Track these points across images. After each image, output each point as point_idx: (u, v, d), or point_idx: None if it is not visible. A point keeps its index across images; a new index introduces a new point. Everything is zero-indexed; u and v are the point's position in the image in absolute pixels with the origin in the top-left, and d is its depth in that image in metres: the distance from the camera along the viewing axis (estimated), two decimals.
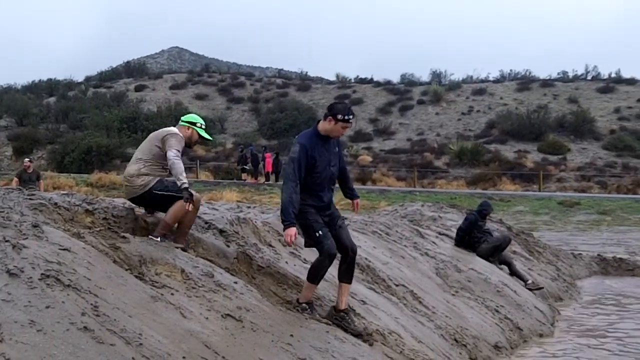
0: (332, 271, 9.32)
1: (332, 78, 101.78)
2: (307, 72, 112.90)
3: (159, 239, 7.32)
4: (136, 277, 6.11)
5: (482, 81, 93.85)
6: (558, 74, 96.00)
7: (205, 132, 8.17)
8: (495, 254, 14.33)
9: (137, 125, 62.19)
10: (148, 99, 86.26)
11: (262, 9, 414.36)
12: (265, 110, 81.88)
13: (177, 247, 7.31)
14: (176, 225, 7.64)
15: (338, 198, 35.81)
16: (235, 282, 7.12)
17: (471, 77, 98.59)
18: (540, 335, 11.37)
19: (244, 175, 45.89)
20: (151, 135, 7.96)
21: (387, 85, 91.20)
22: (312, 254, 9.67)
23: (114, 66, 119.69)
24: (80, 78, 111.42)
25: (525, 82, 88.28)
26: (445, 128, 74.77)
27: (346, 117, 7.21)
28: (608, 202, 36.41)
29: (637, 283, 17.12)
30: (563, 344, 10.84)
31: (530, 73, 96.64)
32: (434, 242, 14.32)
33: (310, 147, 7.18)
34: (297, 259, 9.11)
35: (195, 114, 8.98)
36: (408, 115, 79.63)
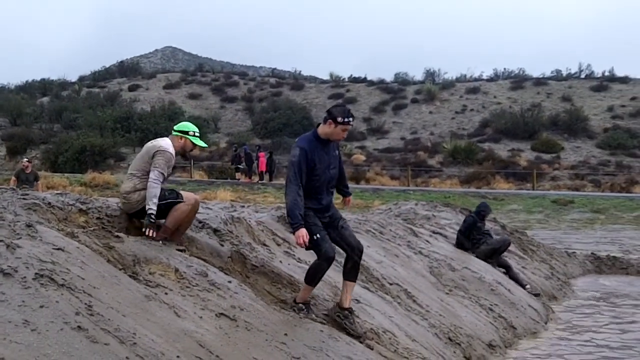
0: (328, 271, 9.33)
1: (326, 77, 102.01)
2: (300, 72, 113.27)
3: (160, 242, 7.33)
4: (130, 276, 6.11)
5: (476, 80, 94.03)
6: (552, 72, 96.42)
7: (200, 139, 8.13)
8: (494, 256, 14.32)
9: (130, 125, 62.20)
10: (142, 98, 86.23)
11: (255, 9, 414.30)
12: (259, 109, 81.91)
13: (178, 250, 7.32)
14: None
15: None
16: (229, 282, 7.12)
17: (465, 75, 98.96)
18: (534, 334, 11.39)
19: (237, 175, 45.90)
20: (143, 149, 7.91)
21: (380, 84, 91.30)
22: (307, 254, 9.69)
23: (108, 66, 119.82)
24: (73, 78, 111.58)
25: (518, 80, 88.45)
26: (439, 127, 74.86)
27: (346, 120, 7.21)
28: (602, 201, 36.48)
29: (631, 281, 17.15)
30: (556, 342, 10.86)
31: (523, 72, 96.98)
32: (427, 241, 14.33)
33: (310, 151, 7.17)
34: (291, 258, 9.11)
35: (189, 121, 8.94)
36: (402, 114, 79.71)
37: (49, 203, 7.46)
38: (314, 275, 7.36)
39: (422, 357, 7.76)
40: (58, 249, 5.75)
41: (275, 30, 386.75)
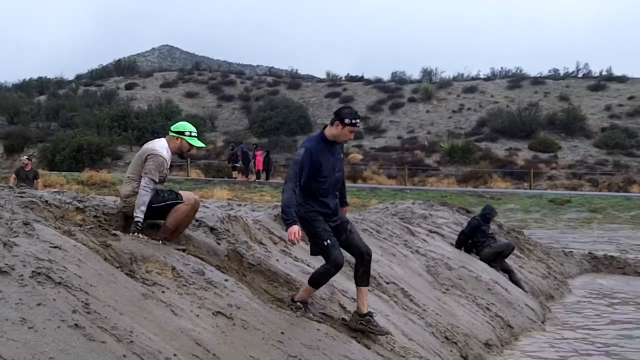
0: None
1: (323, 76, 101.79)
2: (297, 70, 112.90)
3: (160, 242, 7.33)
4: (127, 274, 6.11)
5: (473, 79, 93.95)
6: (549, 71, 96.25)
7: (197, 139, 8.07)
8: (497, 259, 14.25)
9: (127, 124, 62.14)
10: (138, 97, 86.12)
11: (253, 8, 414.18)
12: (256, 108, 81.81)
13: (178, 249, 7.32)
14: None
15: None
16: (226, 280, 7.12)
17: (462, 74, 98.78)
18: (531, 333, 11.40)
19: (234, 173, 45.88)
20: (139, 152, 7.88)
21: (377, 83, 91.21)
22: (304, 253, 9.69)
23: (105, 64, 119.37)
24: (70, 76, 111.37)
25: (516, 79, 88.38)
26: (436, 126, 74.84)
27: (353, 121, 7.24)
28: (599, 200, 36.51)
29: (628, 281, 17.18)
30: (553, 342, 10.87)
31: (521, 71, 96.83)
32: (424, 240, 14.34)
33: (316, 152, 7.18)
34: (288, 257, 9.12)
35: (187, 121, 8.92)
36: (399, 113, 79.66)
37: (46, 201, 7.46)
38: (319, 280, 7.38)
39: (418, 356, 7.77)
40: (55, 247, 5.76)
41: (272, 29, 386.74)
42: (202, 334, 5.57)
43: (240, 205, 13.38)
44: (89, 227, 7.09)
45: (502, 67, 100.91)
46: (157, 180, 7.54)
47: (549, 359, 9.83)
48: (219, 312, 6.22)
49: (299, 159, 7.11)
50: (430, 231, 15.75)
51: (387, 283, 10.17)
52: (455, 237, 15.71)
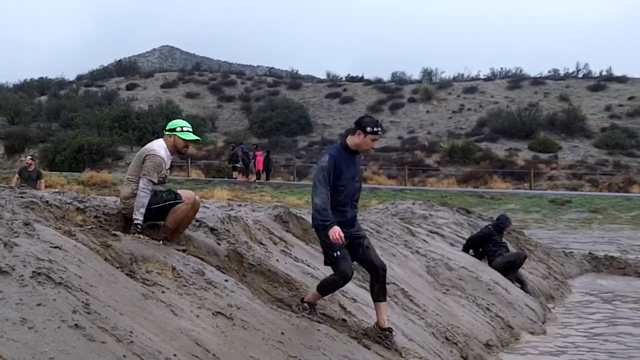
0: (325, 270, 9.35)
1: (323, 76, 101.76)
2: (297, 71, 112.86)
3: (160, 242, 7.33)
4: (127, 275, 6.11)
5: (473, 79, 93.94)
6: (549, 72, 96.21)
7: (191, 133, 7.97)
8: (510, 269, 14.00)
9: (128, 124, 62.13)
10: (139, 97, 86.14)
11: (253, 8, 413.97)
12: (256, 108, 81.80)
13: (178, 250, 7.32)
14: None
15: None
16: (226, 280, 7.13)
17: (462, 75, 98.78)
18: (532, 333, 11.40)
19: (235, 174, 45.88)
20: (138, 153, 7.89)
21: (377, 84, 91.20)
22: (304, 253, 9.69)
23: (105, 65, 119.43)
24: (71, 77, 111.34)
25: (516, 80, 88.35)
26: (436, 126, 74.82)
27: (375, 129, 7.27)
28: (599, 200, 36.49)
29: (628, 281, 17.18)
30: (554, 342, 10.87)
31: (521, 71, 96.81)
32: (424, 240, 14.34)
33: (338, 159, 7.21)
34: (288, 257, 9.13)
35: (181, 119, 8.88)
36: (399, 113, 79.65)
37: (47, 201, 7.46)
38: (326, 288, 7.41)
39: (418, 357, 7.77)
40: (55, 247, 5.76)
41: (272, 30, 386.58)
42: (202, 334, 5.58)
43: (240, 205, 13.36)
44: (89, 227, 7.09)
45: (502, 68, 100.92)
46: (155, 181, 7.53)
47: (550, 358, 9.83)
48: (219, 312, 6.23)
49: (324, 165, 7.12)
50: (431, 231, 15.75)
51: (387, 283, 10.14)
52: (455, 237, 15.69)
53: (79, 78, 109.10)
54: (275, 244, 9.52)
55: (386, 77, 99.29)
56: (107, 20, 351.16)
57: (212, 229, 8.63)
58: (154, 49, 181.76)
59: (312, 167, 55.84)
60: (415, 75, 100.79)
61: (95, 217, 7.73)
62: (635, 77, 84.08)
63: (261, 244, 9.13)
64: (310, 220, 11.37)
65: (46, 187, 21.28)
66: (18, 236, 5.79)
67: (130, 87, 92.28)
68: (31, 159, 21.72)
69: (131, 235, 7.29)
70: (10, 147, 62.24)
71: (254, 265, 8.05)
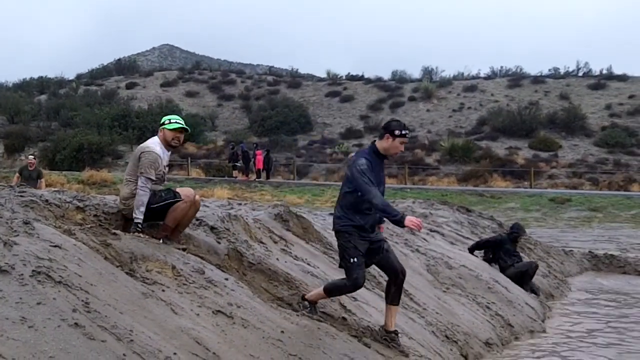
0: (325, 269, 9.35)
1: (323, 75, 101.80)
2: (297, 69, 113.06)
3: (160, 241, 7.33)
4: (127, 273, 6.11)
5: (473, 78, 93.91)
6: (549, 70, 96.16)
7: (179, 123, 7.87)
8: (524, 279, 13.83)
9: (128, 123, 62.11)
10: (139, 96, 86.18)
11: (253, 7, 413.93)
12: (256, 107, 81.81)
13: (178, 249, 7.32)
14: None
15: (328, 196, 35.57)
16: (226, 279, 7.13)
17: (462, 73, 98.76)
18: (531, 332, 11.39)
19: (235, 173, 45.88)
20: (133, 152, 7.88)
21: (378, 82, 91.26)
22: (305, 252, 9.69)
23: (105, 64, 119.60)
24: (71, 76, 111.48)
25: (516, 78, 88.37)
26: (436, 125, 74.82)
27: (403, 132, 7.29)
28: (599, 199, 36.46)
29: (628, 280, 17.17)
30: (554, 341, 10.87)
31: (521, 70, 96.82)
32: (425, 239, 14.33)
33: (372, 163, 7.21)
34: (288, 256, 9.12)
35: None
36: (399, 112, 79.58)
37: (46, 200, 7.46)
38: (334, 291, 7.44)
39: (419, 355, 7.77)
40: (55, 246, 5.76)
41: (272, 29, 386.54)
42: (202, 333, 5.58)
43: (240, 204, 13.35)
44: (89, 226, 7.09)
45: (502, 66, 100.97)
46: (153, 178, 7.51)
47: (550, 357, 9.83)
48: (219, 311, 6.23)
49: (364, 168, 7.08)
50: (431, 230, 15.74)
51: None
52: (455, 235, 15.69)
53: (79, 77, 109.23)
54: (275, 242, 9.52)
55: (386, 75, 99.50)
56: (106, 19, 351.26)
57: (212, 228, 8.63)
58: (153, 48, 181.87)
59: (312, 165, 55.87)
60: (416, 74, 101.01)
61: (95, 216, 7.73)
62: (635, 75, 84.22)
63: (261, 242, 9.13)
64: (310, 220, 11.41)
65: (46, 186, 21.28)
66: (18, 235, 5.78)
67: (130, 86, 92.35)
68: (33, 158, 21.71)
69: (131, 234, 7.29)
70: (10, 146, 62.24)
71: (253, 264, 8.05)
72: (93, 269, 5.72)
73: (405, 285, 10.23)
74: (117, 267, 6.16)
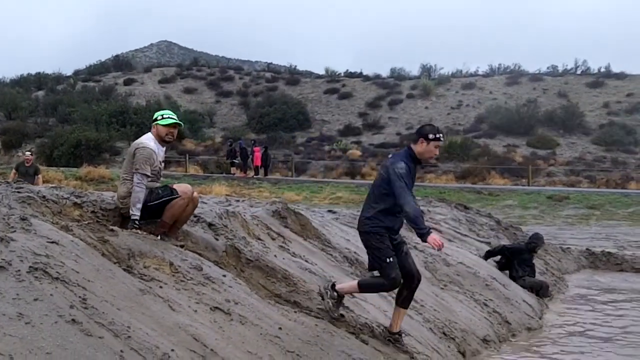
0: (323, 266, 9.34)
1: (322, 72, 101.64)
2: (296, 66, 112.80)
3: (158, 237, 7.32)
4: (124, 270, 6.10)
5: (472, 75, 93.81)
6: (547, 68, 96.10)
7: (172, 118, 7.86)
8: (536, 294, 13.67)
9: (125, 119, 62.05)
10: (137, 92, 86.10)
11: (251, 3, 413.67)
12: (254, 104, 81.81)
13: (176, 245, 7.32)
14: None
15: (326, 193, 35.51)
16: (224, 275, 7.13)
17: (460, 71, 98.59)
18: (529, 329, 11.40)
19: (233, 169, 45.89)
20: (128, 150, 7.88)
21: (376, 80, 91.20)
22: (303, 249, 9.68)
23: (103, 60, 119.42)
24: (69, 72, 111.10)
25: (514, 76, 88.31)
26: (434, 122, 74.17)
27: (437, 136, 7.30)
28: (597, 197, 36.49)
29: (625, 278, 17.18)
30: (551, 338, 10.88)
31: (519, 67, 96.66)
32: None
33: (409, 168, 7.21)
34: (286, 253, 9.12)
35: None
36: (397, 109, 79.66)
37: (44, 196, 7.45)
38: (370, 288, 7.50)
39: (416, 352, 7.77)
40: (52, 242, 5.75)
41: (270, 25, 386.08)
42: (199, 329, 5.57)
43: (238, 201, 13.35)
44: (86, 222, 7.08)
45: (500, 64, 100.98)
46: (149, 174, 7.50)
47: (547, 354, 9.84)
48: (216, 307, 6.22)
49: (404, 172, 7.09)
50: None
51: None
52: (453, 233, 15.68)
53: (77, 73, 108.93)
54: (273, 239, 9.52)
55: (385, 73, 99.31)
56: (104, 15, 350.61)
57: (210, 225, 8.63)
58: (151, 44, 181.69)
59: (310, 162, 55.89)
60: (414, 71, 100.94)
61: (93, 212, 7.72)
62: (633, 73, 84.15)
63: (259, 239, 9.13)
64: (308, 217, 11.40)
65: (43, 182, 21.24)
66: (15, 231, 5.78)
67: (127, 83, 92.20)
68: (30, 154, 21.68)
69: (129, 230, 7.29)
70: (7, 142, 62.18)
71: (251, 261, 8.05)
72: (90, 266, 5.71)
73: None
74: (115, 263, 6.15)
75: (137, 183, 7.42)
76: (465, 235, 16.43)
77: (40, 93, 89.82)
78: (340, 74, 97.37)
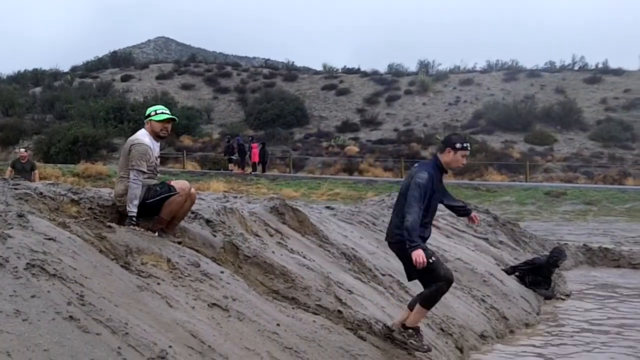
0: (321, 262, 9.33)
1: (319, 68, 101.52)
2: (293, 62, 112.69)
3: (156, 234, 7.31)
4: (122, 266, 6.10)
5: (469, 71, 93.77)
6: (545, 64, 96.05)
7: (166, 114, 7.90)
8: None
9: (123, 116, 62.00)
10: (134, 89, 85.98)
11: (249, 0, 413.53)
12: (252, 100, 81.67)
13: (174, 242, 7.31)
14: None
15: (324, 189, 35.49)
16: (222, 272, 7.12)
17: (458, 67, 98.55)
18: (526, 325, 11.41)
19: (230, 166, 45.87)
20: (123, 147, 7.87)
21: (374, 76, 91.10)
22: (301, 245, 9.68)
23: (100, 56, 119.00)
24: (66, 68, 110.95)
25: (512, 72, 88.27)
26: (432, 118, 74.79)
27: (464, 145, 7.35)
28: (594, 193, 36.53)
29: (623, 274, 17.19)
30: (548, 333, 10.89)
31: (517, 63, 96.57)
32: None
33: (435, 178, 7.22)
34: (284, 249, 9.11)
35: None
36: (395, 105, 79.60)
37: (41, 193, 7.45)
38: (433, 299, 7.31)
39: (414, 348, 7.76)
40: (50, 239, 5.75)
41: (268, 21, 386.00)
42: (197, 326, 5.57)
43: (236, 197, 13.35)
44: (84, 219, 7.07)
45: (498, 60, 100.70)
46: (145, 170, 7.49)
47: (544, 350, 9.84)
48: (214, 304, 6.22)
49: (423, 182, 7.07)
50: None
51: (383, 275, 10.18)
52: (451, 229, 15.67)
53: (74, 69, 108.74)
54: (271, 235, 9.51)
55: (382, 69, 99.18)
56: (102, 11, 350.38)
57: (207, 221, 8.62)
58: (149, 40, 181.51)
59: (308, 159, 55.89)
60: (412, 67, 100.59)
61: (90, 208, 7.71)
62: (630, 69, 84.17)
63: (257, 235, 9.12)
64: (306, 213, 11.40)
65: (40, 178, 21.24)
66: (12, 228, 5.77)
67: (125, 79, 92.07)
68: (25, 150, 21.69)
69: (127, 224, 7.29)
70: (4, 139, 62.11)
71: (249, 257, 8.04)
72: (88, 262, 5.71)
73: (401, 279, 10.27)
74: (112, 260, 6.15)
75: (133, 179, 7.42)
76: (463, 231, 16.42)
77: (38, 89, 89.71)
78: (338, 70, 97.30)
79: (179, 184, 7.69)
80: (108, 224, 7.10)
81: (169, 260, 6.63)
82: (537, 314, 12.22)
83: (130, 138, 7.81)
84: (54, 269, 5.19)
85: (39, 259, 5.21)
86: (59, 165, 43.33)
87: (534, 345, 10.10)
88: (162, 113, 7.85)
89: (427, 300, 7.30)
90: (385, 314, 8.39)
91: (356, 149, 61.89)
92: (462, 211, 8.03)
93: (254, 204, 11.12)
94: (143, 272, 6.18)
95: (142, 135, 7.74)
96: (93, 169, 39.17)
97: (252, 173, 44.06)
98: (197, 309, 5.97)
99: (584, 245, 20.28)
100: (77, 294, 5.00)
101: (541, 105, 72.01)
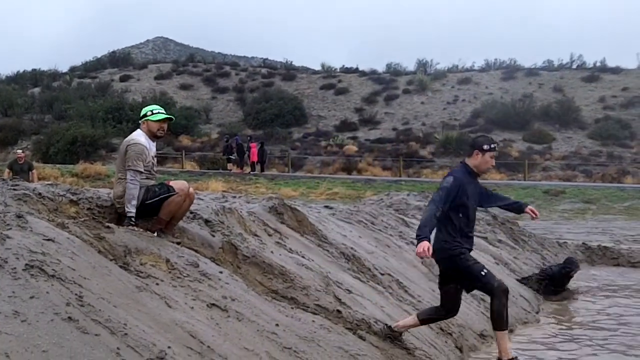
0: (320, 262, 9.33)
1: (318, 68, 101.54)
2: (292, 62, 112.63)
3: (155, 234, 7.31)
4: (121, 267, 6.10)
5: (468, 70, 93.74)
6: (543, 62, 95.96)
7: (162, 113, 7.91)
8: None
9: (122, 116, 62.01)
10: (133, 89, 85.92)
11: None
12: (251, 100, 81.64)
13: (172, 242, 7.31)
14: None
15: (323, 189, 35.52)
16: (221, 272, 7.12)
17: (456, 66, 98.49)
18: (525, 323, 11.40)
19: (229, 165, 45.89)
20: (119, 148, 7.87)
21: (372, 75, 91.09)
22: (299, 244, 9.68)
23: (99, 56, 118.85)
24: (64, 68, 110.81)
25: (510, 71, 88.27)
26: (430, 117, 74.80)
27: (492, 146, 7.37)
28: (593, 191, 36.55)
29: (622, 272, 17.19)
30: (547, 332, 10.89)
31: (515, 62, 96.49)
32: None
33: (464, 183, 7.21)
34: (283, 249, 9.11)
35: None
36: (393, 104, 79.61)
37: (40, 194, 7.44)
38: (502, 315, 7.20)
39: (413, 347, 7.77)
40: (48, 239, 5.74)
41: (267, 21, 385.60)
42: (196, 326, 5.57)
43: (235, 197, 13.35)
44: (82, 219, 7.07)
45: (496, 59, 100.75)
46: (141, 170, 7.49)
47: (544, 348, 9.84)
48: (213, 304, 6.22)
49: (447, 185, 7.11)
50: None
51: (382, 274, 10.18)
52: None
53: (72, 69, 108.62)
54: (270, 235, 9.50)
55: (381, 68, 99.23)
56: (100, 11, 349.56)
57: (206, 221, 8.62)
58: (147, 40, 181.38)
59: (307, 158, 55.91)
60: (410, 66, 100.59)
61: (89, 209, 7.71)
62: (629, 68, 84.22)
63: (256, 235, 9.12)
64: (305, 213, 11.39)
65: (39, 179, 21.25)
66: (10, 229, 5.76)
67: (123, 79, 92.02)
68: (21, 152, 21.73)
69: (125, 224, 7.29)
70: (3, 139, 62.14)
71: (248, 257, 8.04)
72: (87, 263, 5.71)
73: (400, 278, 10.28)
74: (111, 260, 6.14)
75: (131, 180, 7.42)
76: None
77: (36, 90, 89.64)
78: (336, 69, 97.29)
79: (177, 184, 7.69)
80: (107, 224, 7.10)
81: (167, 261, 6.63)
82: (537, 313, 12.22)
83: (126, 139, 7.82)
84: (53, 269, 5.18)
85: (38, 260, 5.20)
86: (57, 165, 43.33)
87: (534, 343, 10.10)
88: (159, 113, 7.85)
89: (497, 321, 7.24)
90: (385, 314, 8.40)
91: (355, 148, 61.92)
92: (516, 207, 8.02)
93: (253, 204, 11.12)
94: (142, 272, 6.18)
95: (138, 136, 7.75)
96: (92, 169, 39.19)
97: (251, 173, 44.09)
98: (196, 309, 5.96)
99: (583, 243, 20.28)
100: (75, 294, 5.00)
101: (539, 103, 72.01)
